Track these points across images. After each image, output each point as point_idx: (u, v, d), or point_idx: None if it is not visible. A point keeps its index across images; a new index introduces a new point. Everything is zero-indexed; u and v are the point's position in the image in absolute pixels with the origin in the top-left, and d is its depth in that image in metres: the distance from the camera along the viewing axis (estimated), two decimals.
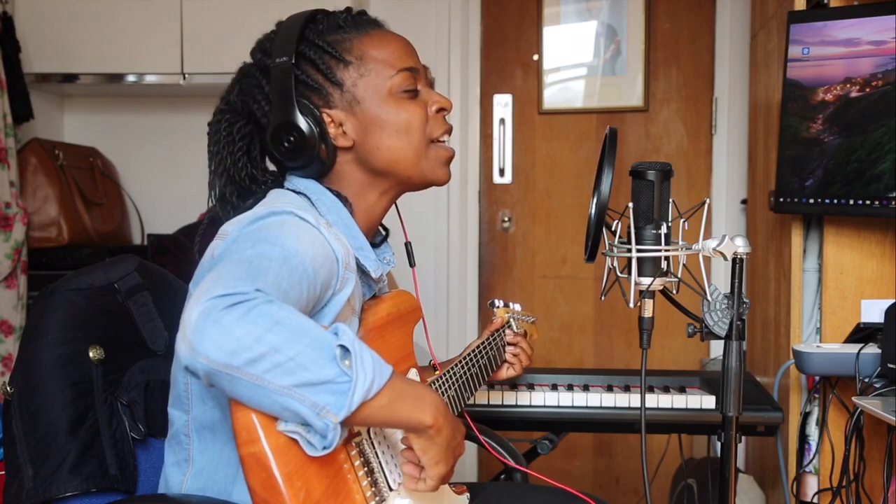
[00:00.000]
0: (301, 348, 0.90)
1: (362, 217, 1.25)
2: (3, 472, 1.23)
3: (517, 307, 1.65)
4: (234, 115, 1.24)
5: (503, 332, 1.57)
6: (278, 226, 1.05)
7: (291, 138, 1.18)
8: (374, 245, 1.30)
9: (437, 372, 1.34)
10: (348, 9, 1.26)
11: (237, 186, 1.23)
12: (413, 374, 1.26)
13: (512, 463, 1.60)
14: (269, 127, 1.20)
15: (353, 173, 1.24)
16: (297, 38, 1.19)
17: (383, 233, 1.35)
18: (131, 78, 2.88)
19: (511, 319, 1.60)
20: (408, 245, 1.40)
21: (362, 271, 1.21)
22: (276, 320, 0.89)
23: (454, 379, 1.35)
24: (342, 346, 0.92)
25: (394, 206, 1.32)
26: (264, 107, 1.21)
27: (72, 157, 2.88)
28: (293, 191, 1.22)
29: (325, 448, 0.93)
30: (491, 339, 1.52)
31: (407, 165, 1.23)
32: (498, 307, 1.60)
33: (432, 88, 1.29)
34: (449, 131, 1.27)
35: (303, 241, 1.04)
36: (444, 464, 1.04)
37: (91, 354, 1.23)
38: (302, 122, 1.18)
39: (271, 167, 1.28)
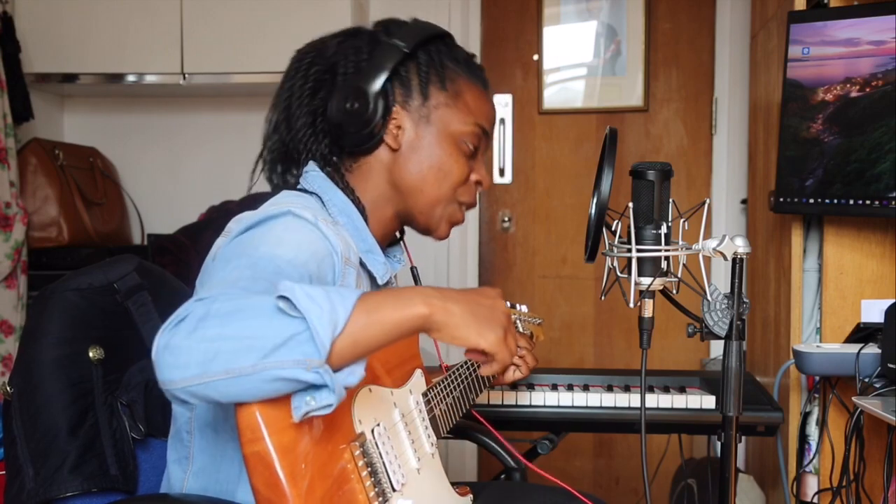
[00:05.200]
0: (246, 323, 0.86)
1: (376, 225, 1.26)
2: (3, 472, 1.23)
3: (524, 308, 1.64)
4: (320, 58, 1.26)
5: None
6: (264, 233, 1.05)
7: (356, 104, 1.20)
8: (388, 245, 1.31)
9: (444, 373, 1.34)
10: (472, 54, 1.31)
11: (288, 119, 1.24)
12: (418, 374, 1.26)
13: (525, 460, 1.60)
14: (343, 86, 1.22)
15: (378, 178, 1.25)
16: (423, 41, 1.23)
17: (398, 235, 1.36)
18: (131, 78, 2.88)
19: (517, 321, 1.59)
20: (413, 269, 1.40)
21: (368, 274, 1.21)
22: (212, 314, 0.87)
23: (458, 381, 1.35)
24: (283, 297, 0.87)
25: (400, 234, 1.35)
26: (350, 69, 1.23)
27: (72, 157, 2.88)
28: (304, 191, 1.23)
29: (334, 394, 0.87)
30: None
31: (424, 201, 1.26)
32: None
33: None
34: (473, 204, 1.31)
35: (284, 244, 1.03)
36: (488, 330, 0.98)
37: (91, 355, 1.23)
38: (373, 98, 1.20)
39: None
